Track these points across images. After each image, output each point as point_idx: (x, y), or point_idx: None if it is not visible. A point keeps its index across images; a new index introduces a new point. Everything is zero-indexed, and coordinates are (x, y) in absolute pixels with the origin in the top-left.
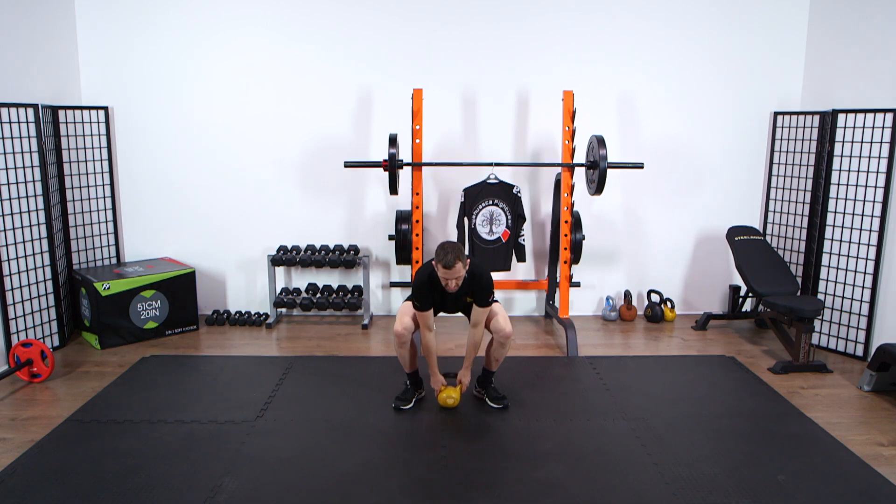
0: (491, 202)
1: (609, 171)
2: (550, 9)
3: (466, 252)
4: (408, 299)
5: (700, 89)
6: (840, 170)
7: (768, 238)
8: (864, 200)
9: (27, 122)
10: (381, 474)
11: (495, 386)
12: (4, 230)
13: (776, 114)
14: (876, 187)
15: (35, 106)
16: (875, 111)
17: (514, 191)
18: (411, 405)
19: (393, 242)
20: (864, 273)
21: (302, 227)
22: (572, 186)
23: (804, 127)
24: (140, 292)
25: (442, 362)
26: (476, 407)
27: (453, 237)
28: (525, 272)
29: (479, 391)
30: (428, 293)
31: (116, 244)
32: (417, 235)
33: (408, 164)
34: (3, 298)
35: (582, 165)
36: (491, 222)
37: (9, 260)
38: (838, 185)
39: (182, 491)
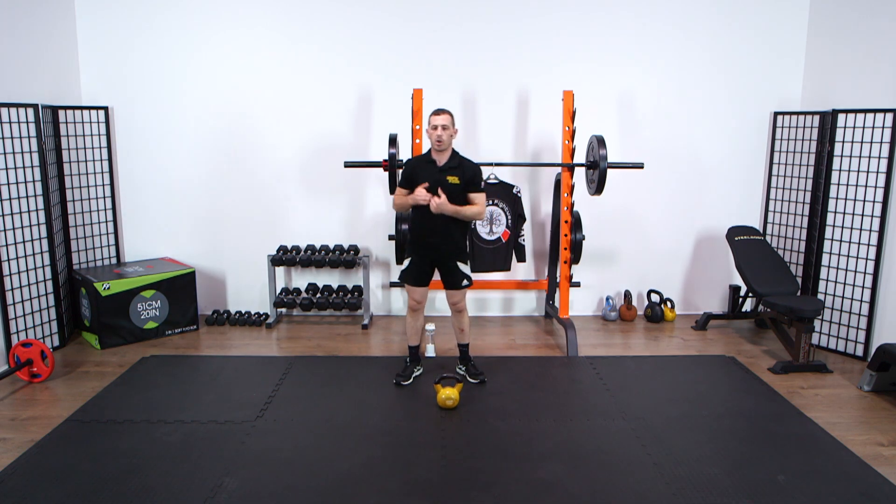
0: (491, 202)
1: (609, 171)
2: (550, 9)
3: (467, 251)
4: (402, 284)
5: (700, 89)
6: (840, 170)
7: (768, 238)
8: (864, 200)
9: (27, 122)
10: (381, 474)
11: (474, 363)
12: (4, 230)
13: (776, 114)
14: (876, 187)
15: (35, 106)
16: (875, 111)
17: (514, 191)
18: (410, 381)
19: (393, 242)
20: (864, 273)
21: (302, 227)
22: (572, 186)
23: (804, 127)
24: (140, 292)
25: (442, 362)
26: (476, 407)
27: None
28: (525, 272)
29: (460, 368)
30: (409, 171)
31: (116, 244)
32: None
33: None
34: (3, 298)
35: (582, 165)
36: (491, 222)
37: (9, 260)
38: (838, 185)
39: (182, 491)
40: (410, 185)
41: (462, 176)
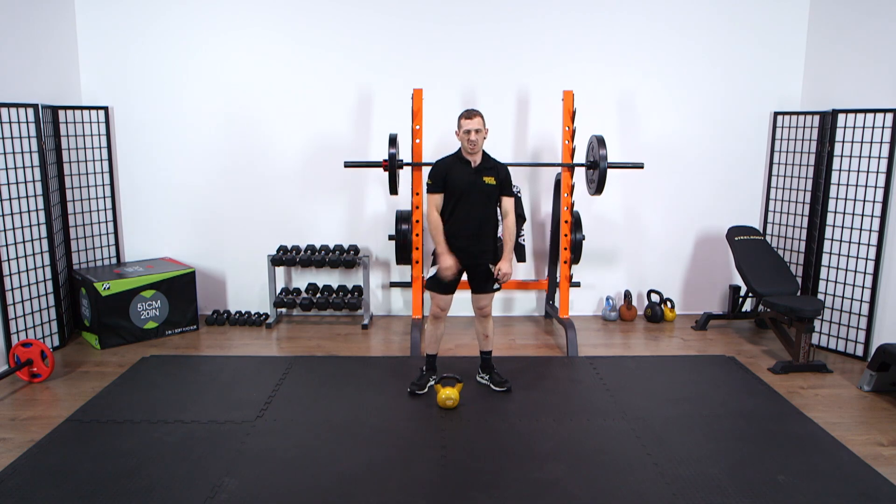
0: None
1: (609, 171)
2: (550, 9)
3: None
4: (428, 289)
5: (700, 89)
6: (840, 170)
7: (768, 238)
8: (864, 200)
9: (27, 122)
10: (381, 474)
11: (497, 371)
12: (4, 230)
13: (776, 114)
14: (876, 187)
15: (35, 106)
16: (875, 111)
17: (514, 191)
18: (426, 391)
19: (393, 242)
20: (864, 273)
21: (302, 227)
22: (572, 186)
23: (804, 127)
24: (140, 292)
25: (442, 362)
26: (476, 407)
27: None
28: (525, 272)
29: (483, 377)
30: (443, 174)
31: (116, 244)
32: (417, 235)
33: (408, 164)
34: (3, 298)
35: (582, 165)
36: None
37: (9, 260)
38: (838, 185)
39: (182, 491)
40: (444, 187)
41: (497, 176)
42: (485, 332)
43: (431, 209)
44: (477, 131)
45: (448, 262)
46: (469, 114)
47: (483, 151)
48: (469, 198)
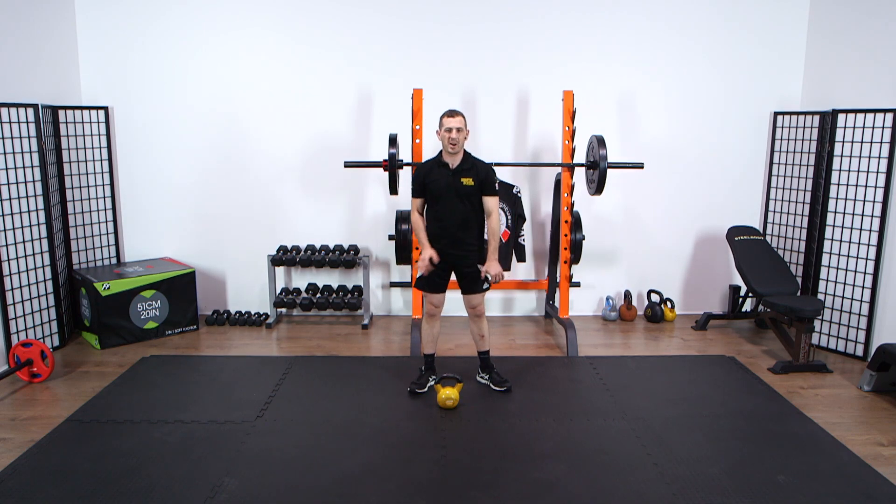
0: None
1: (609, 171)
2: (550, 9)
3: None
4: (417, 288)
5: (700, 89)
6: (840, 170)
7: (768, 238)
8: (864, 200)
9: (27, 122)
10: (381, 474)
11: (497, 370)
12: (4, 230)
13: (776, 114)
14: (876, 187)
15: (35, 106)
16: (875, 111)
17: (514, 191)
18: (426, 390)
19: (393, 242)
20: (864, 273)
21: (302, 227)
22: (572, 186)
23: (804, 127)
24: (140, 292)
25: (442, 362)
26: (476, 407)
27: None
28: (525, 272)
29: (482, 377)
30: (421, 179)
31: (116, 244)
32: None
33: (408, 164)
34: (3, 298)
35: (582, 165)
36: None
37: (9, 260)
38: (838, 185)
39: (182, 491)
40: (424, 191)
41: (476, 177)
42: (480, 333)
43: (413, 211)
44: (458, 130)
45: (425, 255)
46: (451, 112)
47: (465, 152)
48: (448, 200)
